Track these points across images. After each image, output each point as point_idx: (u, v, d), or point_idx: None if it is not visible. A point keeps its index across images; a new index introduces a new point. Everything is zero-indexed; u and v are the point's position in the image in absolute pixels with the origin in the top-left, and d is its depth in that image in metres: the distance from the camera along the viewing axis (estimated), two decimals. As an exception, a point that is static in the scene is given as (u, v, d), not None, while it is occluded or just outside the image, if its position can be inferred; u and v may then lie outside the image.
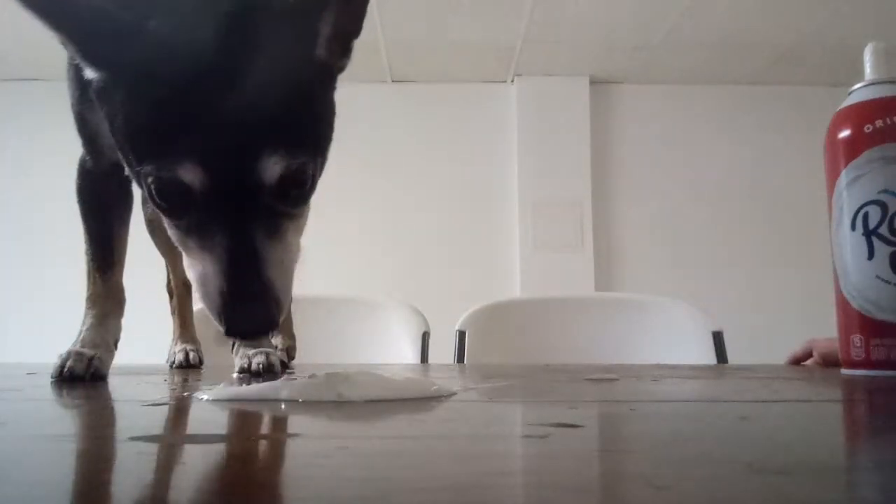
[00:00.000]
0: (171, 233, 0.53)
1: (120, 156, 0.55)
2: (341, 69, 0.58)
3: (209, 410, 0.46)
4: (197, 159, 0.48)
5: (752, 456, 0.28)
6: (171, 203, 0.51)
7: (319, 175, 0.56)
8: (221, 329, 0.51)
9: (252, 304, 0.50)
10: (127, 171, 0.55)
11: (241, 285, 0.49)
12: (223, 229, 0.49)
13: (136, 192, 0.83)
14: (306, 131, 0.53)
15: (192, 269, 0.52)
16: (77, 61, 0.53)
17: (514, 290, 3.23)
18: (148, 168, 0.49)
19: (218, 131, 0.48)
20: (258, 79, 0.49)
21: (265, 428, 0.40)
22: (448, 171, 3.38)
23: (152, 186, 0.50)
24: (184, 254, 0.53)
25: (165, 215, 0.52)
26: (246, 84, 0.49)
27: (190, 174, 0.48)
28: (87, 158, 0.74)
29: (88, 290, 0.77)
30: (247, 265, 0.49)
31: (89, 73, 0.52)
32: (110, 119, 0.53)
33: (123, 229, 0.78)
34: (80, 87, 0.67)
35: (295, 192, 0.52)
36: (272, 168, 0.49)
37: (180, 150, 0.48)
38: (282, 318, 0.52)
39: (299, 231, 0.55)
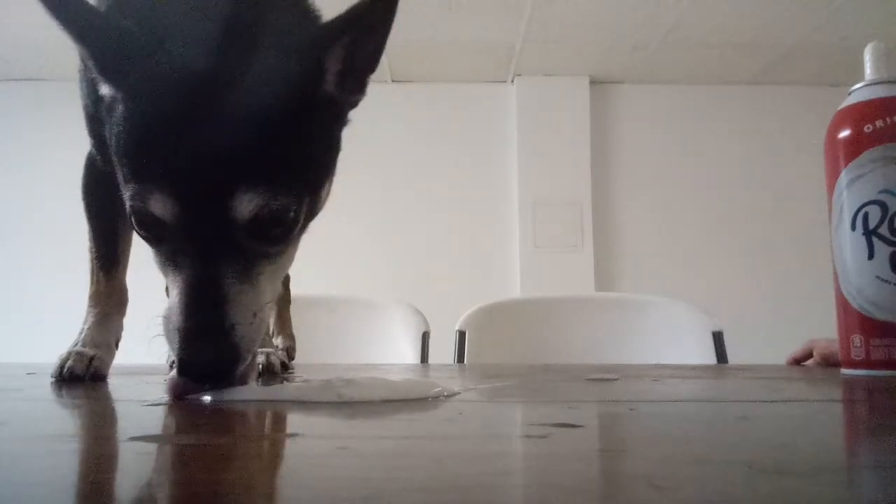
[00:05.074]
0: (154, 259, 0.52)
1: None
2: (354, 104, 0.56)
3: (209, 410, 0.46)
4: (168, 191, 0.46)
5: (752, 456, 0.28)
6: (148, 232, 0.49)
7: (311, 216, 0.54)
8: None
9: (207, 348, 0.46)
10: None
11: (200, 325, 0.46)
12: (191, 263, 0.47)
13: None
14: (294, 171, 0.50)
15: (168, 298, 0.50)
16: (94, 74, 0.52)
17: (514, 290, 3.23)
18: (127, 194, 0.48)
19: (192, 164, 0.46)
20: (246, 114, 0.47)
21: (265, 428, 0.40)
22: (448, 171, 3.38)
23: (130, 214, 0.49)
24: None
25: (145, 241, 0.51)
26: (231, 119, 0.47)
27: (160, 206, 0.47)
28: (98, 157, 0.73)
29: (91, 288, 0.76)
30: (209, 304, 0.46)
31: (103, 89, 0.52)
32: (109, 136, 0.52)
33: (129, 229, 0.78)
34: (95, 90, 0.67)
35: (276, 231, 0.50)
36: (246, 206, 0.47)
37: (153, 180, 0.47)
38: (239, 370, 0.48)
39: (277, 276, 0.53)
